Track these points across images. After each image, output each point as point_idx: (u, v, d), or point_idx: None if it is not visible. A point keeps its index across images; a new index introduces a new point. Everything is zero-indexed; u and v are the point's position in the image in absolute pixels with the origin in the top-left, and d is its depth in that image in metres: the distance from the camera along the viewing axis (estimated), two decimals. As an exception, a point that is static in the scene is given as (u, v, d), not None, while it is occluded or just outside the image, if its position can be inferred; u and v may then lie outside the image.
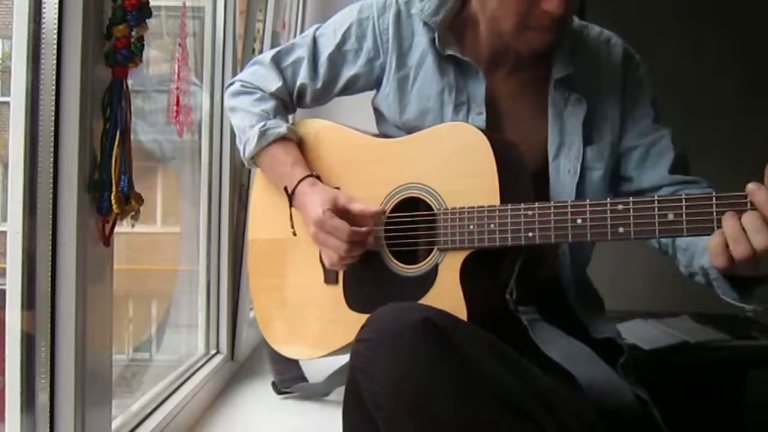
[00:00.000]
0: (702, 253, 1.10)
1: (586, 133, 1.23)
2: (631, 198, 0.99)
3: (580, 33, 1.29)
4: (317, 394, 1.46)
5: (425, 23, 1.27)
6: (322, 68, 1.35)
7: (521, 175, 1.15)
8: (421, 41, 1.29)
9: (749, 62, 3.21)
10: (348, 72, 1.34)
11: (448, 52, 1.25)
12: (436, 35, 1.24)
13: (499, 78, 1.27)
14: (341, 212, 1.18)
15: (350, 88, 1.36)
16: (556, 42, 1.19)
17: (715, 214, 0.93)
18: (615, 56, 1.28)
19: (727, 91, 3.23)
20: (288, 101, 1.39)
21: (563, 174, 1.22)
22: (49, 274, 0.88)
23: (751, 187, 0.91)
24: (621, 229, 0.99)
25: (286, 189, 1.27)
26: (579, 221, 1.02)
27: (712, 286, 1.10)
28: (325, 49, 1.34)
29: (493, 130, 1.23)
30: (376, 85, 1.33)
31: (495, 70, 1.27)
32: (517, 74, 1.27)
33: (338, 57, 1.34)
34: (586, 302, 1.24)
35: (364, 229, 1.17)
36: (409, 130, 1.27)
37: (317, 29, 1.37)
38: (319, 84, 1.36)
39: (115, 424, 1.10)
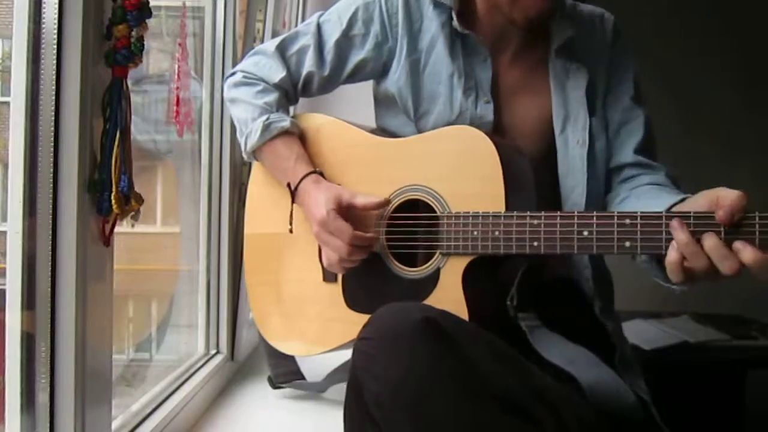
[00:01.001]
0: None
1: (590, 103, 1.23)
2: (639, 212, 0.99)
3: (573, 9, 1.30)
4: (314, 391, 1.46)
5: (437, 5, 1.26)
6: (329, 55, 1.33)
7: (526, 183, 1.14)
8: (430, 25, 1.27)
9: (748, 58, 3.22)
10: (356, 57, 1.32)
11: (466, 31, 1.23)
12: (455, 13, 1.23)
13: (505, 63, 1.27)
14: (345, 210, 1.18)
15: (357, 74, 1.35)
16: (552, 9, 1.18)
17: (723, 234, 0.94)
18: (606, 30, 1.29)
19: (725, 87, 3.24)
20: (291, 92, 1.37)
21: (572, 145, 1.22)
22: (49, 274, 0.88)
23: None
24: (627, 244, 0.99)
25: (289, 185, 1.26)
26: (585, 233, 1.01)
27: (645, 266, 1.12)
28: (331, 36, 1.32)
29: (499, 118, 1.23)
30: (384, 70, 1.32)
31: (500, 53, 1.26)
32: (521, 57, 1.27)
33: (345, 43, 1.32)
34: (601, 289, 1.23)
35: (368, 234, 1.17)
36: (420, 115, 1.27)
37: (321, 16, 1.36)
38: (327, 71, 1.34)
39: (115, 424, 1.10)
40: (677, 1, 3.28)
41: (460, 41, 1.26)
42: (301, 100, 1.45)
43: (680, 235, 0.95)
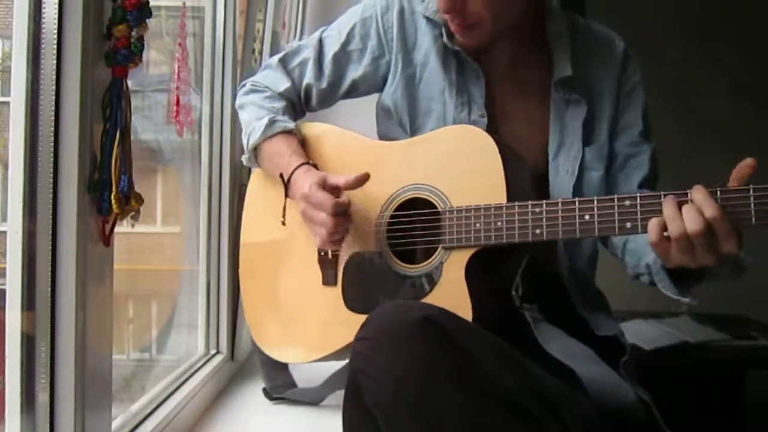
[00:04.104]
0: (649, 252, 1.12)
1: (586, 134, 1.24)
2: (638, 194, 1.00)
3: (584, 31, 1.30)
4: (310, 400, 1.45)
5: (429, 20, 1.27)
6: (327, 68, 1.35)
7: (525, 179, 1.15)
8: (424, 39, 1.29)
9: (751, 65, 3.22)
10: (353, 72, 1.34)
11: (456, 47, 1.25)
12: (444, 30, 1.24)
13: (500, 80, 1.27)
14: (330, 189, 1.18)
15: (356, 89, 1.36)
16: (482, 39, 1.20)
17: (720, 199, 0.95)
18: (615, 57, 1.28)
19: (728, 94, 3.24)
20: (297, 103, 1.40)
21: (561, 174, 1.23)
22: (49, 274, 0.88)
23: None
24: (628, 224, 1.00)
25: (281, 176, 1.26)
26: (587, 217, 1.02)
27: (655, 284, 1.12)
28: (330, 49, 1.35)
29: (493, 132, 1.24)
30: (382, 84, 1.33)
31: (494, 70, 1.27)
32: (518, 75, 1.27)
33: (343, 57, 1.34)
34: (587, 299, 1.24)
35: (345, 198, 1.17)
36: (415, 128, 1.28)
37: (323, 31, 1.38)
38: (325, 84, 1.36)
39: (115, 424, 1.10)
40: (681, 6, 3.28)
41: (454, 56, 1.26)
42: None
43: (667, 206, 0.96)
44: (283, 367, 1.47)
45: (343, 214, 1.17)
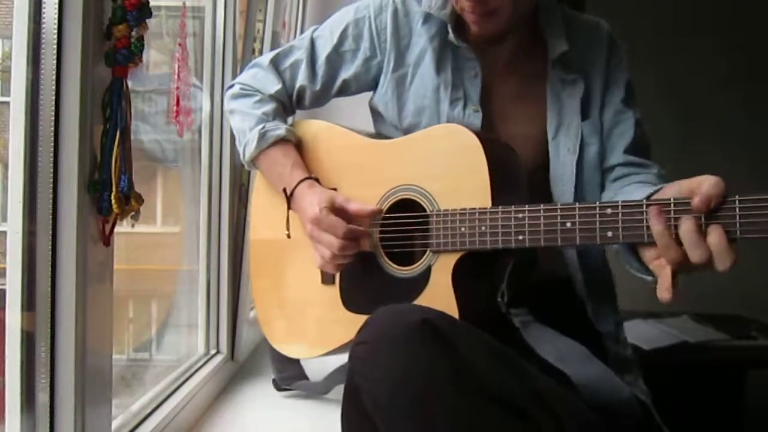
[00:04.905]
0: None
1: (582, 111, 1.24)
2: (620, 201, 0.99)
3: (573, 18, 1.31)
4: (317, 392, 1.47)
5: (426, 20, 1.28)
6: (321, 70, 1.35)
7: (515, 177, 1.15)
8: (419, 40, 1.29)
9: (746, 55, 3.22)
10: (346, 73, 1.34)
11: (462, 43, 1.25)
12: (450, 27, 1.25)
13: (498, 73, 1.28)
14: (338, 211, 1.19)
15: (348, 89, 1.37)
16: (500, 27, 1.20)
17: (703, 219, 0.92)
18: (602, 38, 1.30)
19: (723, 85, 3.24)
20: (287, 103, 1.40)
21: (563, 153, 1.23)
22: (49, 274, 0.88)
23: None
24: (610, 234, 0.98)
25: (285, 190, 1.27)
26: (568, 225, 1.01)
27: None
28: (323, 51, 1.35)
29: (489, 127, 1.24)
30: (374, 84, 1.34)
31: (493, 64, 1.27)
32: (518, 66, 1.28)
33: (336, 58, 1.34)
34: (594, 292, 1.23)
35: (361, 228, 1.18)
36: (407, 128, 1.28)
37: (314, 31, 1.38)
38: (318, 85, 1.36)
39: (115, 423, 1.10)
40: (678, 3, 3.29)
41: (451, 53, 1.27)
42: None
43: (655, 224, 0.93)
44: (294, 359, 1.48)
45: (353, 240, 1.18)
